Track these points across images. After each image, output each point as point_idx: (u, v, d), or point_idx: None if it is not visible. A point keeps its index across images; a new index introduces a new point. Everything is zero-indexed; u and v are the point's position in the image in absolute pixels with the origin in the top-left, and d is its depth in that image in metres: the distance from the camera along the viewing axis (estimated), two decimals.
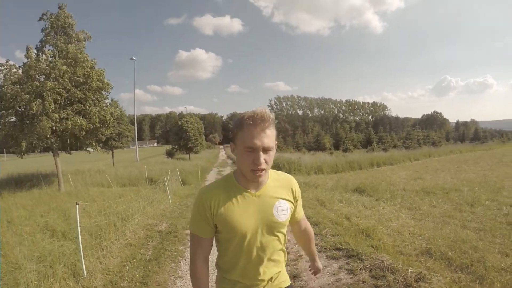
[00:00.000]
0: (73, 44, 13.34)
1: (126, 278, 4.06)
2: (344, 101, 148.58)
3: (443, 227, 5.64)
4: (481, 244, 4.60)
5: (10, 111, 12.11)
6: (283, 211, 1.56)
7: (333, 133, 61.59)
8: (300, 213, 1.76)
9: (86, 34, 14.50)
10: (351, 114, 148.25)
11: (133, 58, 39.08)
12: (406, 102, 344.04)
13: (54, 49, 13.16)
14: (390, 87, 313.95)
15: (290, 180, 1.67)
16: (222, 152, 59.05)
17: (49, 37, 13.34)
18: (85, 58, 12.93)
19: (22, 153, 12.86)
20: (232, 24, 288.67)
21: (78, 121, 11.99)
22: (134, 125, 35.12)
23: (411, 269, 3.68)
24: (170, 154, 40.15)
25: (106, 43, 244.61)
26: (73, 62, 12.57)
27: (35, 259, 4.22)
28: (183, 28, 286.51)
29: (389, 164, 22.34)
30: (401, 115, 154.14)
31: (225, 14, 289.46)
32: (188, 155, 38.82)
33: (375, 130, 73.43)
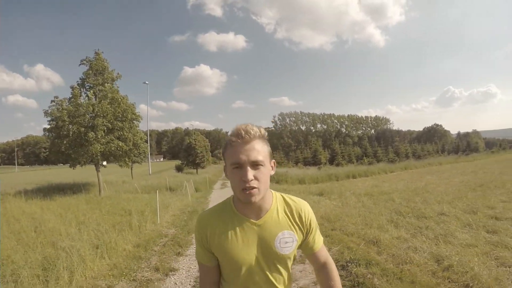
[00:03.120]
0: (110, 84, 17.30)
1: (177, 224, 8.55)
2: (346, 116, 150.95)
3: (346, 210, 9.47)
4: (354, 214, 8.58)
5: (67, 139, 15.73)
6: (286, 243, 1.43)
7: (331, 149, 65.08)
8: (316, 245, 1.55)
9: (118, 73, 18.35)
10: (354, 128, 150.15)
11: (146, 82, 43.57)
12: (411, 115, 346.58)
13: (95, 87, 16.93)
14: (394, 100, 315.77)
15: (301, 207, 1.49)
16: None
17: (89, 78, 17.04)
18: (122, 97, 17.21)
19: (76, 166, 16.97)
20: (236, 40, 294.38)
21: (120, 144, 16.32)
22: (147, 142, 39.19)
23: None
24: (179, 168, 44.34)
25: (111, 58, 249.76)
26: (112, 101, 16.78)
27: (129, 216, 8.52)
28: (187, 45, 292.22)
29: (365, 176, 25.95)
30: (406, 128, 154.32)
31: (229, 31, 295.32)
32: (196, 169, 43.02)
33: (374, 144, 76.60)
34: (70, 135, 15.63)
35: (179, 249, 6.27)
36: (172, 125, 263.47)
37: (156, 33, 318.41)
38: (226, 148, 1.37)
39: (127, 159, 17.88)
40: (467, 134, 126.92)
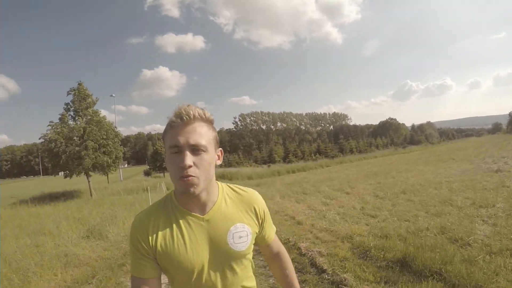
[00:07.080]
0: (93, 109, 21.90)
1: None
2: (304, 114, 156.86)
3: (266, 191, 15.07)
4: (266, 193, 14.14)
5: (64, 155, 20.07)
6: (241, 237, 1.27)
7: (285, 147, 69.77)
8: (270, 235, 1.47)
9: (96, 98, 22.59)
10: (313, 125, 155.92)
11: (113, 95, 47.70)
12: (370, 109, 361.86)
13: (80, 112, 21.45)
14: (353, 95, 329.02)
15: (252, 197, 1.37)
16: None
17: (75, 104, 21.47)
18: (103, 119, 21.93)
19: (71, 176, 21.43)
20: (194, 41, 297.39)
21: (105, 158, 21.16)
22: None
23: None
24: (147, 173, 48.92)
25: (68, 60, 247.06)
26: (97, 123, 21.45)
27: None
28: (145, 47, 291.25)
29: (303, 170, 30.88)
30: (365, 122, 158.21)
31: (187, 31, 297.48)
32: (163, 173, 47.58)
33: (331, 140, 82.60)
34: (67, 153, 19.96)
35: None
36: (133, 130, 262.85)
37: (113, 35, 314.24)
38: (166, 130, 1.19)
39: (110, 168, 22.67)
40: (421, 126, 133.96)
